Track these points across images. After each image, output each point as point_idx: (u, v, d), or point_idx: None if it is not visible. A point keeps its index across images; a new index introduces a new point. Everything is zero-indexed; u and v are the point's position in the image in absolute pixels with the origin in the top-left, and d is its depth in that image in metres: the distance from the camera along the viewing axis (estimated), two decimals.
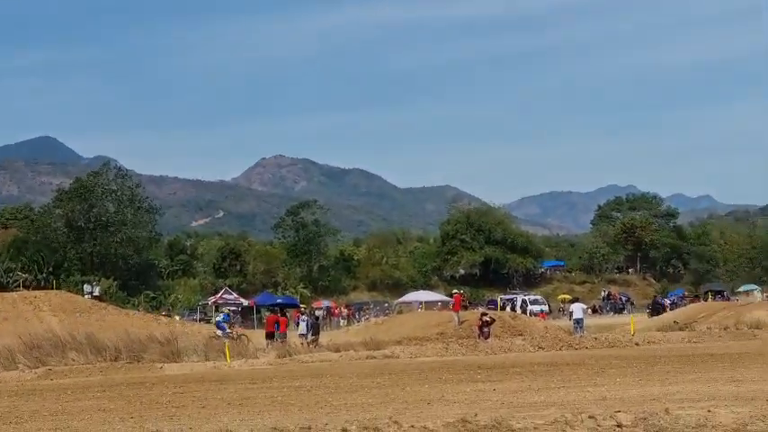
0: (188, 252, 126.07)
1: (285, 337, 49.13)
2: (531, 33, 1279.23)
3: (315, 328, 51.50)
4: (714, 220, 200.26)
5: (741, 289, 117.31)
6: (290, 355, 38.29)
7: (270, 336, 48.65)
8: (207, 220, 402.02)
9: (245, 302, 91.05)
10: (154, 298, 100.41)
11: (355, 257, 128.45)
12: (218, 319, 60.30)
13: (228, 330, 54.78)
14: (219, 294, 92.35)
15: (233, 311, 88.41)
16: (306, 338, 48.56)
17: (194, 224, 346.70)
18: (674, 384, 23.92)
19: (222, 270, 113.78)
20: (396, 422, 15.83)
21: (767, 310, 62.06)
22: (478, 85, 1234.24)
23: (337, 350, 39.61)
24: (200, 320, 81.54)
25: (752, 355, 34.09)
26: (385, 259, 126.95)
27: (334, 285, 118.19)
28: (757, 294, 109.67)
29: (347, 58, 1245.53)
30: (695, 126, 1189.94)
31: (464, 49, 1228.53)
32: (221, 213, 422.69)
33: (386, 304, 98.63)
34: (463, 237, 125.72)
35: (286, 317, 53.51)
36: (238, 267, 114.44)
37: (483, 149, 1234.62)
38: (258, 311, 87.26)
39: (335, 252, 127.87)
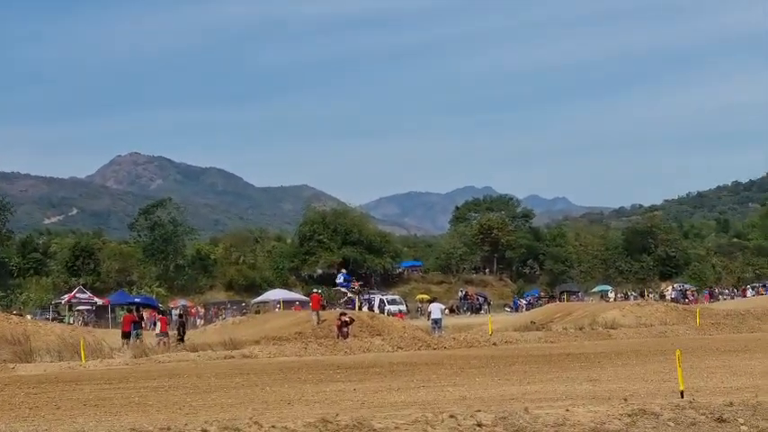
0: (41, 250, 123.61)
1: (166, 336, 48.55)
2: (391, 33, 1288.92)
3: (181, 326, 51.16)
4: (569, 221, 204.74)
5: (595, 289, 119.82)
6: (147, 355, 37.80)
7: (126, 335, 47.91)
8: (60, 217, 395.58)
9: (100, 301, 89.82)
10: (4, 297, 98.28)
11: (212, 256, 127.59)
12: (339, 281, 61.16)
13: (351, 285, 55.64)
14: (73, 293, 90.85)
15: (87, 311, 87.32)
16: (164, 338, 48.03)
17: (47, 222, 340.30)
18: (532, 384, 24.23)
19: (75, 268, 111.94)
20: (256, 423, 15.65)
21: (621, 311, 63.27)
22: (337, 83, 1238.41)
23: (195, 350, 39.21)
24: (52, 319, 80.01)
25: (607, 355, 34.76)
26: (242, 258, 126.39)
27: (190, 284, 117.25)
28: (611, 295, 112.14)
29: (206, 55, 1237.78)
30: (551, 128, 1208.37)
31: (322, 48, 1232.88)
32: (75, 211, 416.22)
33: (243, 303, 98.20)
34: (321, 237, 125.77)
35: (166, 316, 52.98)
36: (92, 266, 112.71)
37: (341, 149, 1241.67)
38: (113, 311, 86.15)
39: (192, 251, 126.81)
